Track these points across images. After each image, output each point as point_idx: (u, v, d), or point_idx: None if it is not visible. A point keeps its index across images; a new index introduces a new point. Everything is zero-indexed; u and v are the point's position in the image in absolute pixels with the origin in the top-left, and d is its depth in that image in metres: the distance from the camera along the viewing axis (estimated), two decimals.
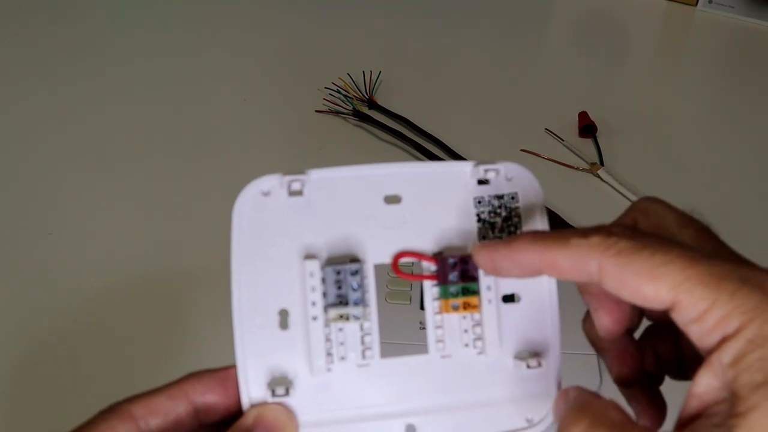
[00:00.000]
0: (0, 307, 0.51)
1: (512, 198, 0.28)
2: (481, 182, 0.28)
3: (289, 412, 0.26)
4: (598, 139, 0.67)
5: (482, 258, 0.26)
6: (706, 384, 0.21)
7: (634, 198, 0.61)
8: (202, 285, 0.52)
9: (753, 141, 0.70)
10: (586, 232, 0.23)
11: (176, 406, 0.25)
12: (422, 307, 0.46)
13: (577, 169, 0.65)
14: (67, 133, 0.67)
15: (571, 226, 0.57)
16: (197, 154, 0.65)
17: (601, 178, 0.63)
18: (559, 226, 0.57)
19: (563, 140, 0.67)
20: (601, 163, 0.64)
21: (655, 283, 0.21)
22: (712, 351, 0.21)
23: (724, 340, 0.21)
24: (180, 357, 0.48)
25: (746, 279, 0.21)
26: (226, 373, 0.26)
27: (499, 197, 0.28)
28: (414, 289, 0.47)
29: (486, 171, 0.28)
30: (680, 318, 0.21)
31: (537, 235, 0.25)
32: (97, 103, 0.71)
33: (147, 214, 0.59)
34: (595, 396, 0.24)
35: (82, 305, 0.51)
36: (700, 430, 0.21)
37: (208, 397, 0.26)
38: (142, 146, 0.66)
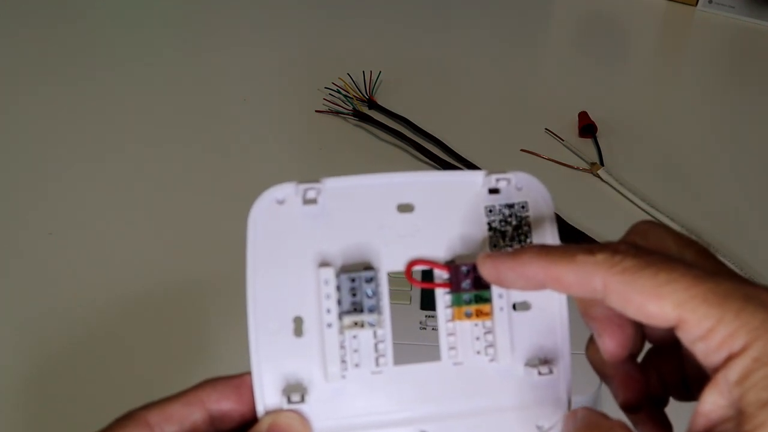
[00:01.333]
0: (3, 310, 0.51)
1: (522, 207, 0.29)
2: (492, 191, 0.28)
3: (304, 419, 0.26)
4: (598, 139, 0.67)
5: (487, 268, 0.26)
6: (713, 402, 0.21)
7: (634, 198, 0.61)
8: (202, 286, 0.52)
9: (753, 140, 0.70)
10: (592, 249, 0.23)
11: (191, 414, 0.25)
12: (422, 307, 0.46)
13: (577, 169, 0.65)
14: (68, 133, 0.67)
15: (572, 227, 0.57)
16: (196, 154, 0.65)
17: (601, 178, 0.63)
18: (560, 226, 0.57)
19: (563, 140, 0.67)
20: (601, 163, 0.64)
21: (659, 302, 0.22)
22: (717, 369, 0.21)
23: (729, 358, 0.21)
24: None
25: (750, 297, 0.21)
26: (240, 380, 0.26)
27: (510, 206, 0.29)
28: (414, 289, 0.47)
29: (497, 180, 0.28)
30: (685, 336, 0.22)
31: (543, 249, 0.25)
32: (98, 103, 0.71)
33: (146, 213, 0.59)
34: (603, 416, 0.24)
35: (85, 309, 0.51)
36: None
37: (223, 404, 0.26)
38: (142, 146, 0.66)
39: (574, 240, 0.56)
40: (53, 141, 0.66)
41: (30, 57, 0.77)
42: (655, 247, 0.26)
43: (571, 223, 0.57)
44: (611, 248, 0.23)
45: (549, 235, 0.29)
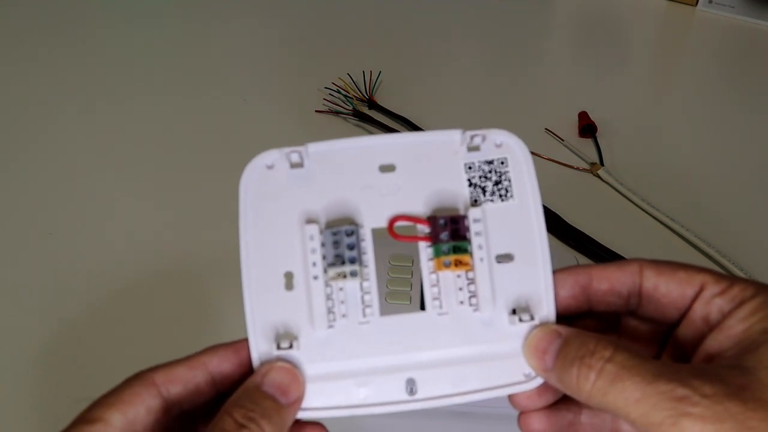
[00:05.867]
0: (3, 310, 0.51)
1: (502, 163, 0.30)
2: (471, 149, 0.30)
3: (294, 372, 0.28)
4: (598, 139, 0.67)
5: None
6: (714, 339, 0.26)
7: (634, 198, 0.61)
8: (205, 278, 0.52)
9: (753, 140, 0.70)
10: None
11: (194, 376, 0.27)
12: (422, 307, 0.46)
13: (577, 169, 0.65)
14: (67, 133, 0.67)
15: (572, 226, 0.57)
16: (197, 154, 0.65)
17: (601, 178, 0.63)
18: (560, 226, 0.57)
19: (563, 140, 0.67)
20: (601, 163, 0.64)
21: (686, 269, 0.27)
22: (729, 313, 0.26)
23: (742, 303, 0.26)
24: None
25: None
26: (240, 345, 0.28)
27: (489, 162, 0.30)
28: (414, 289, 0.47)
29: (473, 137, 0.30)
30: (705, 295, 0.27)
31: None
32: (97, 101, 0.71)
33: (147, 213, 0.59)
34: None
35: (85, 308, 0.51)
36: (714, 369, 0.24)
37: (224, 366, 0.28)
38: (142, 146, 0.66)
39: (573, 239, 0.56)
40: (53, 141, 0.66)
41: (29, 57, 0.77)
42: None
43: (571, 223, 0.57)
44: None
45: (530, 191, 0.30)
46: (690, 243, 0.57)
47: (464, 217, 0.29)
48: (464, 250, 0.28)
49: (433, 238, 0.29)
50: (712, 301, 0.26)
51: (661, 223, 0.59)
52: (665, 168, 0.66)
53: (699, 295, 0.27)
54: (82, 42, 0.80)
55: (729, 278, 0.27)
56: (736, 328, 0.25)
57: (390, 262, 0.48)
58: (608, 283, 0.28)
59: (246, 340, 0.28)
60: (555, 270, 0.29)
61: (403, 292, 0.47)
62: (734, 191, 0.64)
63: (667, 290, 0.27)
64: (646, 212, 0.60)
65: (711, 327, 0.26)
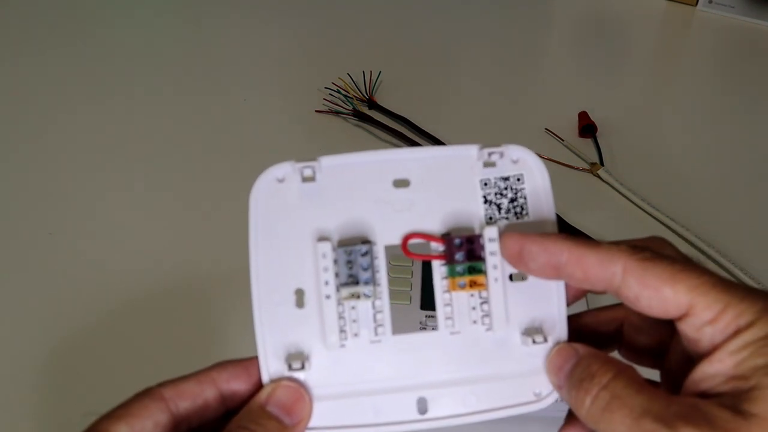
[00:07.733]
0: (3, 310, 0.51)
1: (518, 180, 0.29)
2: (487, 165, 0.29)
3: (301, 390, 0.27)
4: (598, 139, 0.67)
5: (512, 242, 0.27)
6: (703, 372, 0.23)
7: (634, 198, 0.61)
8: (204, 281, 0.52)
9: (753, 140, 0.70)
10: (615, 242, 0.26)
11: (203, 391, 0.27)
12: (422, 307, 0.46)
13: (577, 169, 0.65)
14: (68, 133, 0.67)
15: (572, 226, 0.57)
16: (197, 154, 0.65)
17: (601, 178, 0.63)
18: (560, 227, 0.57)
19: (563, 140, 0.67)
20: (601, 163, 0.64)
21: (674, 286, 0.24)
22: (718, 346, 0.23)
23: (736, 333, 0.23)
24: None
25: (750, 289, 0.24)
26: (249, 362, 0.28)
27: (505, 179, 0.29)
28: (414, 289, 0.47)
29: (490, 154, 0.29)
30: (694, 322, 0.24)
31: (569, 236, 0.26)
32: (99, 102, 0.71)
33: (146, 213, 0.59)
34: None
35: (86, 308, 0.51)
36: (705, 408, 0.22)
37: (233, 383, 0.27)
38: (143, 146, 0.66)
39: None
40: (53, 141, 0.66)
41: (30, 57, 0.77)
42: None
43: (571, 223, 0.57)
44: (632, 243, 0.26)
45: (545, 208, 0.29)
46: (690, 243, 0.57)
47: (479, 236, 0.28)
48: (479, 271, 0.28)
49: (448, 258, 0.28)
50: (702, 330, 0.23)
51: (661, 223, 0.59)
52: (665, 168, 0.66)
53: (685, 317, 0.24)
54: (82, 41, 0.80)
55: (722, 299, 0.23)
56: (730, 360, 0.23)
57: (390, 262, 0.48)
58: (583, 274, 0.26)
59: (256, 358, 0.28)
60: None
61: (403, 292, 0.47)
62: (734, 191, 0.64)
63: (649, 305, 0.24)
64: (646, 212, 0.60)
65: (701, 354, 0.24)
